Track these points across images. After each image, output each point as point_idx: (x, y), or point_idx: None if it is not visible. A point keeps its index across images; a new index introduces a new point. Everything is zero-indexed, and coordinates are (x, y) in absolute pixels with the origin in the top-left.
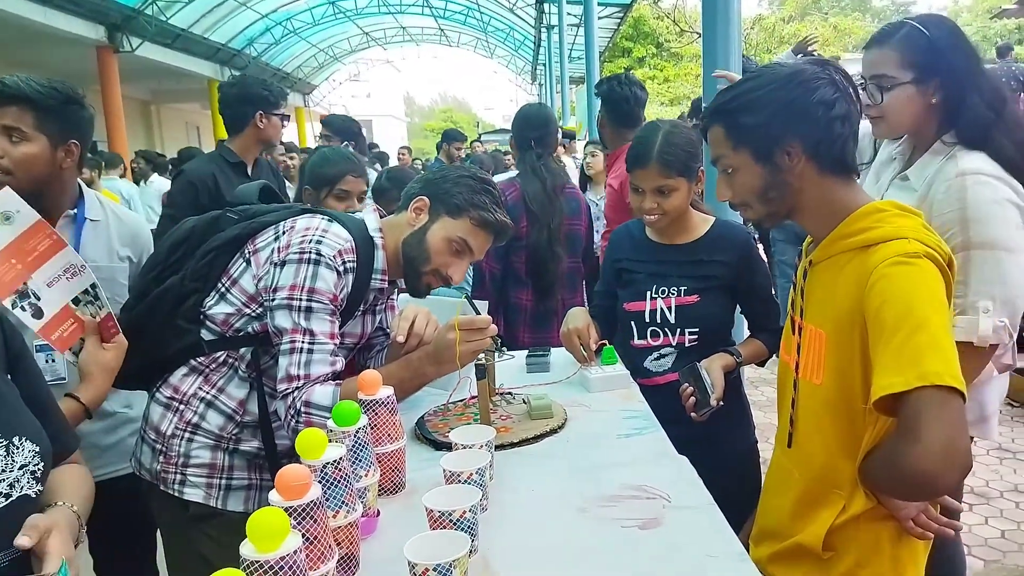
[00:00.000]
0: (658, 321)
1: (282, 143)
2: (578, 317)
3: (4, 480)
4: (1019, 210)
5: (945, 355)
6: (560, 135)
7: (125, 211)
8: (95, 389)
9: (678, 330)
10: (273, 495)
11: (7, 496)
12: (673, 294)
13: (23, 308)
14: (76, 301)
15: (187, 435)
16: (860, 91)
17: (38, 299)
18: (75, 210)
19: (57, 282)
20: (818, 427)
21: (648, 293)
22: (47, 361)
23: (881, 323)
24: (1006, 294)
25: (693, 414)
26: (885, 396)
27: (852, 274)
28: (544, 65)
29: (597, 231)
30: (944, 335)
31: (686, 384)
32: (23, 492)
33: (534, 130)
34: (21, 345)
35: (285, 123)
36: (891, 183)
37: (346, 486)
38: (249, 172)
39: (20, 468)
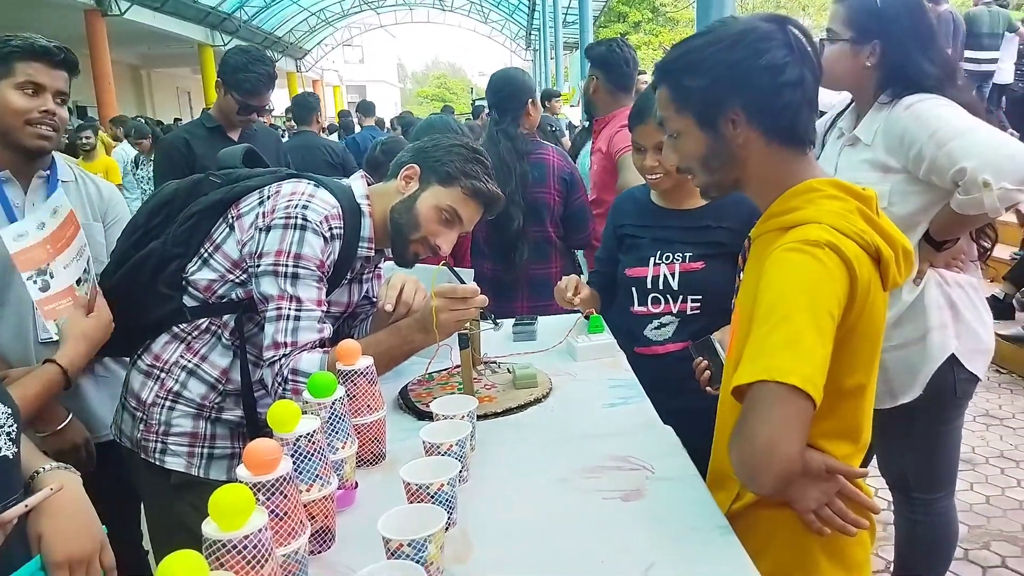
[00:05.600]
0: (660, 288)
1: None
2: (571, 277)
3: None
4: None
5: (800, 354)
6: (537, 96)
7: (90, 174)
8: (71, 353)
9: (680, 297)
10: (241, 470)
11: None
12: (677, 260)
13: (34, 281)
14: (79, 282)
15: (168, 403)
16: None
17: (51, 277)
18: (48, 171)
19: (72, 264)
20: (721, 410)
21: (651, 259)
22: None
23: (757, 311)
24: (996, 157)
25: (708, 388)
26: (740, 386)
27: (767, 257)
28: (538, 30)
29: None
30: (808, 333)
31: (700, 358)
32: (2, 454)
33: (492, 95)
34: None
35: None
36: (841, 152)
37: (320, 459)
38: (236, 137)
39: None
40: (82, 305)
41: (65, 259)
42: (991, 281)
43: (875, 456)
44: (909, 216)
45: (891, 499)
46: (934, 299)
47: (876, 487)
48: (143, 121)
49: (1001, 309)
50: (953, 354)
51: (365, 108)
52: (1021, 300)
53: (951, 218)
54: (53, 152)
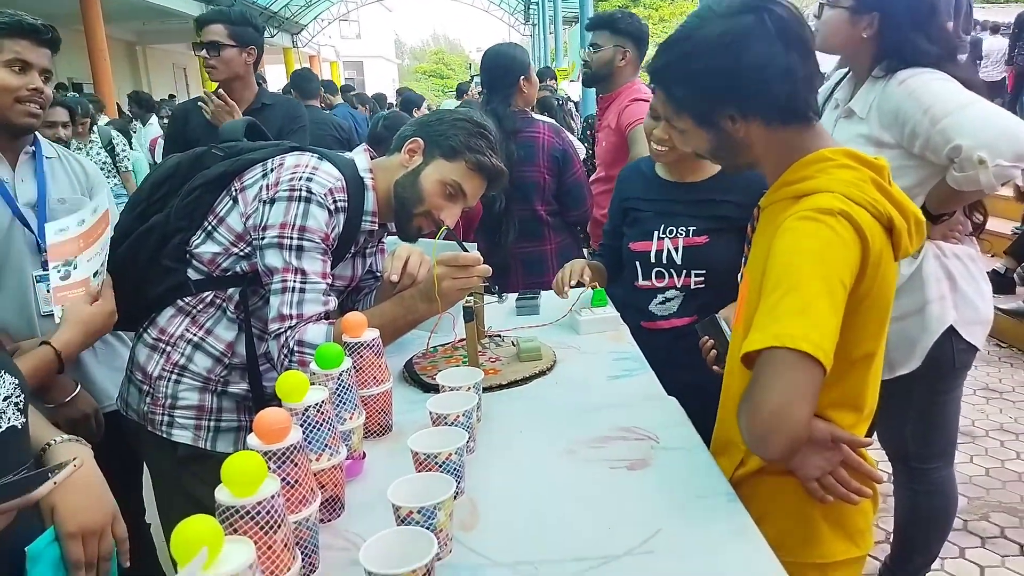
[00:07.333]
0: (664, 262)
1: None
2: (576, 262)
3: None
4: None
5: (811, 320)
6: (533, 72)
7: (70, 152)
8: (67, 337)
9: (684, 272)
10: (252, 439)
11: None
12: (681, 234)
13: (57, 271)
14: (95, 274)
15: (174, 377)
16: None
17: (74, 268)
18: (33, 147)
19: (94, 258)
20: (728, 378)
21: (655, 233)
22: (47, 291)
23: (768, 278)
24: (990, 134)
25: (716, 367)
26: (750, 353)
27: (778, 225)
28: (537, 4)
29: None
30: (819, 300)
31: (706, 337)
32: (10, 424)
33: (484, 72)
34: None
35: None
36: (836, 124)
37: (329, 429)
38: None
39: (4, 400)
40: (91, 294)
41: (90, 253)
42: (991, 256)
43: (875, 427)
44: (905, 190)
45: (891, 470)
46: (932, 271)
47: (876, 459)
48: (86, 97)
49: (1002, 283)
50: (951, 325)
51: (331, 88)
52: (1022, 274)
53: (947, 192)
54: None
